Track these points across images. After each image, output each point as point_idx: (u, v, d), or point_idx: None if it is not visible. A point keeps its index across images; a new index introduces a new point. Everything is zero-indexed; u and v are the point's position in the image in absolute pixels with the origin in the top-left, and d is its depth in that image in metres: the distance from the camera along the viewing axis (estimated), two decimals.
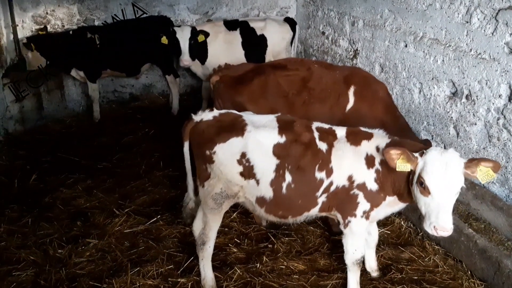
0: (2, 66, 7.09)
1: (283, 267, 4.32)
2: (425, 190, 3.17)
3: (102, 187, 5.61)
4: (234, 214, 4.96)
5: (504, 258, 3.78)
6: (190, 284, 4.05)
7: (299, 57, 8.68)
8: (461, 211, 4.69)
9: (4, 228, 4.78)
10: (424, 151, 3.26)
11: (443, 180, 3.11)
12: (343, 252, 3.94)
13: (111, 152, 6.58)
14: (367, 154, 3.56)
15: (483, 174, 3.17)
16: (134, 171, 6.03)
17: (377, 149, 3.54)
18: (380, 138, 3.61)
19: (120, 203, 5.26)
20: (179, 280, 4.10)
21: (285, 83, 4.70)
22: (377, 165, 3.53)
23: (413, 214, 4.82)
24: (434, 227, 3.13)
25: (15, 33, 7.41)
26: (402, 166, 3.26)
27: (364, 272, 4.20)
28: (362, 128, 3.74)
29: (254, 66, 4.91)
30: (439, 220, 3.11)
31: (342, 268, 4.22)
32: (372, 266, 4.25)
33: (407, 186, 3.43)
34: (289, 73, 4.78)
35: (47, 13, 7.70)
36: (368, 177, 3.56)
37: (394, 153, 3.24)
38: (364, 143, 3.60)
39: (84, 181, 5.76)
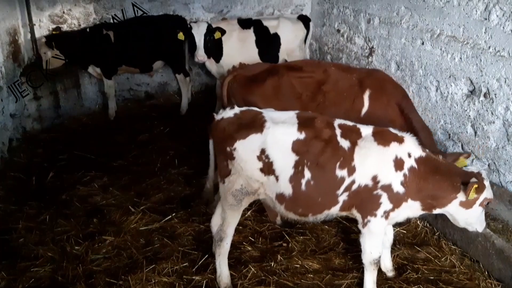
0: (20, 65, 7.20)
1: (298, 266, 4.32)
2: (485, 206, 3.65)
3: (118, 185, 5.67)
4: (249, 213, 4.97)
5: None
6: (204, 281, 4.07)
7: (314, 55, 8.65)
8: None
9: (22, 224, 4.85)
10: (480, 177, 3.54)
11: None
12: (358, 251, 3.93)
13: (127, 150, 6.62)
14: (396, 157, 3.57)
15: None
16: (149, 168, 6.07)
17: (409, 155, 3.58)
18: (413, 146, 3.64)
19: (136, 201, 5.30)
20: (193, 277, 4.13)
21: (299, 84, 4.69)
22: (405, 170, 3.56)
23: (429, 214, 4.75)
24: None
25: (32, 32, 7.52)
26: (472, 195, 3.50)
27: (379, 272, 4.16)
28: (392, 129, 3.74)
29: (268, 66, 4.91)
30: None
31: (357, 267, 4.21)
32: (387, 266, 4.22)
33: (438, 200, 3.64)
34: (304, 75, 4.76)
35: (63, 12, 7.76)
36: (395, 180, 3.57)
37: (472, 185, 3.46)
38: (394, 145, 3.60)
39: (100, 178, 5.81)
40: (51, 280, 4.13)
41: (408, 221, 4.88)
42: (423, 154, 3.63)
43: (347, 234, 4.77)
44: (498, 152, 4.63)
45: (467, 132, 5.02)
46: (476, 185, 3.43)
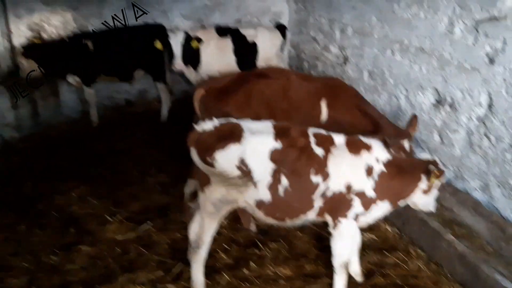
0: None
1: (270, 272, 4.43)
2: None
3: (95, 194, 5.69)
4: (225, 222, 5.04)
5: (481, 263, 3.92)
6: None
7: (292, 62, 8.81)
8: (444, 216, 4.80)
9: None
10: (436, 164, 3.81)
11: None
12: (329, 257, 4.05)
13: (105, 158, 6.67)
14: (366, 164, 3.78)
15: None
16: (127, 177, 6.12)
17: (377, 160, 3.80)
18: (380, 150, 3.86)
19: (113, 210, 5.35)
20: (168, 286, 4.21)
21: (267, 91, 4.84)
22: (375, 175, 3.77)
23: (397, 220, 4.94)
24: None
25: (10, 40, 7.53)
26: (433, 181, 3.77)
27: (348, 277, 4.31)
28: (361, 137, 3.94)
29: (237, 76, 5.04)
30: None
31: (328, 273, 4.33)
32: (355, 270, 4.35)
33: (404, 193, 3.87)
34: (271, 82, 4.92)
35: (42, 20, 7.78)
36: (367, 185, 3.77)
37: (436, 172, 3.73)
38: (364, 152, 3.81)
39: (77, 187, 5.82)
40: None
41: (378, 227, 5.05)
42: (389, 156, 3.86)
43: (320, 241, 4.89)
44: (463, 159, 4.82)
45: (434, 140, 5.21)
46: (437, 172, 3.71)
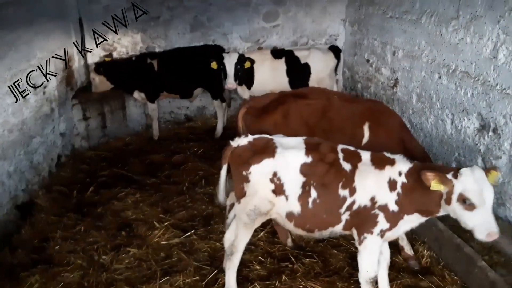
0: (73, 88, 7.97)
1: (301, 287, 4.56)
2: (469, 206, 3.50)
3: (148, 201, 6.15)
4: (261, 234, 5.28)
5: None
6: None
7: (347, 82, 8.93)
8: (484, 244, 4.69)
9: (59, 234, 5.42)
10: (457, 172, 3.56)
11: (485, 193, 3.49)
12: None
13: (161, 169, 7.16)
14: (390, 178, 3.87)
15: (494, 177, 3.59)
16: (178, 187, 6.55)
17: (400, 173, 3.86)
18: (402, 163, 3.90)
19: (162, 217, 5.76)
20: None
21: (306, 111, 5.00)
22: (398, 188, 3.84)
23: (435, 244, 4.90)
24: (489, 233, 3.52)
25: (85, 59, 8.34)
26: (436, 186, 3.59)
27: None
28: (386, 154, 4.03)
29: (277, 96, 5.24)
30: (493, 227, 3.53)
31: None
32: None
33: (430, 203, 3.75)
34: (310, 102, 5.07)
35: (114, 41, 8.54)
36: (390, 199, 3.85)
37: (430, 175, 3.57)
38: (388, 167, 3.90)
39: (133, 194, 6.32)
40: (78, 285, 4.62)
41: (416, 250, 5.02)
42: (411, 166, 3.86)
43: (355, 260, 4.90)
44: (504, 186, 4.72)
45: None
46: (436, 176, 3.52)
